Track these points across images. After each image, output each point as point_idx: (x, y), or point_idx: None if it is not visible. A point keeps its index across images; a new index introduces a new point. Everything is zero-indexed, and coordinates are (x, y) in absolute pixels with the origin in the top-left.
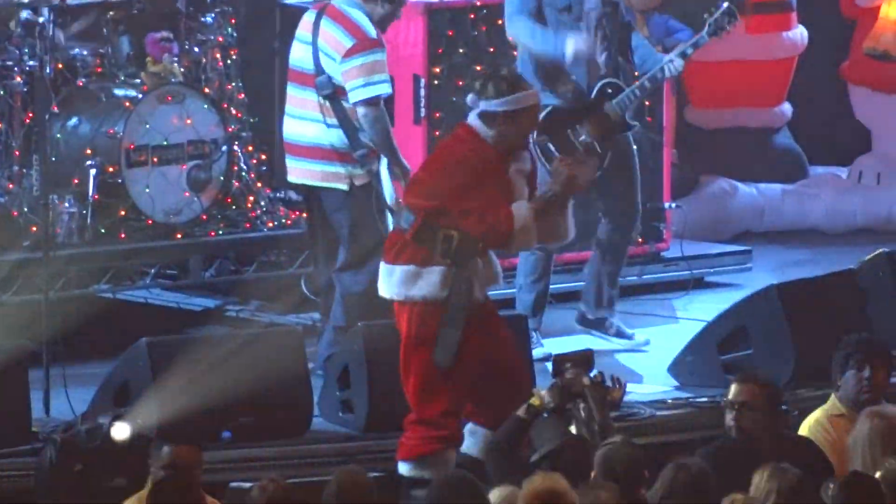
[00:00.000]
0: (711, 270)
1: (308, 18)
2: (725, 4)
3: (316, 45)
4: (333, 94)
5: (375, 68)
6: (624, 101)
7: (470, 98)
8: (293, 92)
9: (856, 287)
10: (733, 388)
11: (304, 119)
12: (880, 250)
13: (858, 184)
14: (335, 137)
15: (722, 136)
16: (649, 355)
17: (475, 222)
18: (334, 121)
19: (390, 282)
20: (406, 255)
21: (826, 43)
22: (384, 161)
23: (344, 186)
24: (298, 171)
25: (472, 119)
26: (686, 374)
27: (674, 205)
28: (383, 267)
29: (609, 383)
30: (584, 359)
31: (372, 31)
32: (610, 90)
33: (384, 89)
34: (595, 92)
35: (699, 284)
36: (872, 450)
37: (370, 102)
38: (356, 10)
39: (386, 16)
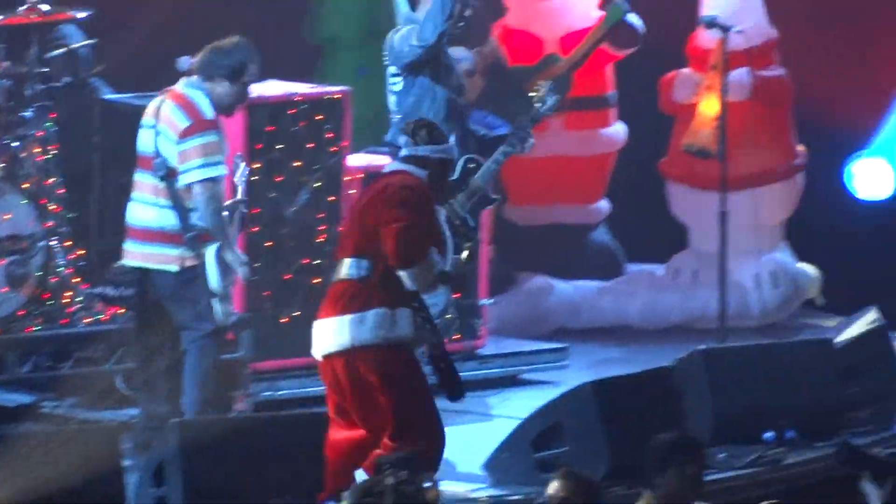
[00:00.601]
0: (527, 368)
1: (153, 103)
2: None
3: (156, 128)
4: (167, 176)
5: (209, 149)
6: (485, 174)
7: (403, 140)
8: (137, 177)
9: (671, 385)
10: (552, 484)
11: (143, 202)
12: (695, 348)
13: (675, 281)
14: (168, 219)
15: (539, 232)
16: (464, 453)
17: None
18: (168, 202)
19: (361, 328)
20: (376, 300)
21: (644, 139)
22: (214, 246)
23: (174, 268)
24: (133, 254)
25: (402, 164)
26: (500, 471)
27: (490, 301)
28: (346, 317)
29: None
30: (405, 461)
31: (209, 112)
32: (472, 164)
33: (219, 171)
34: (459, 168)
35: (515, 382)
36: None
37: (205, 183)
38: (197, 91)
39: (226, 96)
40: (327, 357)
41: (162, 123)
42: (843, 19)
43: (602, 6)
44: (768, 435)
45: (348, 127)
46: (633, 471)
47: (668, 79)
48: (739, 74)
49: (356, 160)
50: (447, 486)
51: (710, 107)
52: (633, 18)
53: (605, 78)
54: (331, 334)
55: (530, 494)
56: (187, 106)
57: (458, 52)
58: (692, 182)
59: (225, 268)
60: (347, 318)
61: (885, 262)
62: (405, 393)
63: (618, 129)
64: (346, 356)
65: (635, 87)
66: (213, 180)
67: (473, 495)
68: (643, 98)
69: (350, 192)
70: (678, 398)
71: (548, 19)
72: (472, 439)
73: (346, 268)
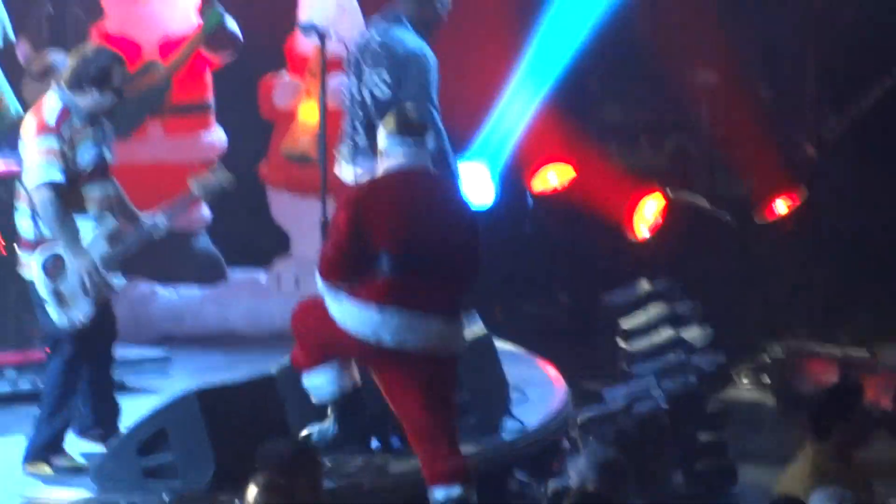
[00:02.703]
0: (131, 375)
1: None
2: None
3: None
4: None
5: (49, 153)
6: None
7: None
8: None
9: (275, 392)
10: None
11: (18, 210)
12: None
13: (278, 288)
14: (23, 225)
15: None
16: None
17: None
18: (24, 206)
19: None
20: None
21: (244, 144)
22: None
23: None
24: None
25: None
26: (107, 478)
27: None
28: None
29: None
30: None
31: (52, 118)
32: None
33: (53, 175)
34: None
35: (120, 388)
36: None
37: (39, 188)
38: (58, 94)
39: (96, 105)
40: None
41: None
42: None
43: (201, 12)
44: (374, 443)
45: None
46: (238, 477)
47: (268, 83)
48: (339, 81)
49: None
50: (56, 493)
51: (309, 113)
52: (231, 24)
53: (205, 83)
54: None
55: (136, 502)
56: (36, 106)
57: (57, 56)
58: (293, 188)
59: (59, 272)
60: None
61: (487, 268)
62: None
63: (218, 135)
64: None
65: (234, 91)
66: (47, 185)
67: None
68: (243, 103)
69: None
70: (282, 405)
71: (146, 24)
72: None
73: None
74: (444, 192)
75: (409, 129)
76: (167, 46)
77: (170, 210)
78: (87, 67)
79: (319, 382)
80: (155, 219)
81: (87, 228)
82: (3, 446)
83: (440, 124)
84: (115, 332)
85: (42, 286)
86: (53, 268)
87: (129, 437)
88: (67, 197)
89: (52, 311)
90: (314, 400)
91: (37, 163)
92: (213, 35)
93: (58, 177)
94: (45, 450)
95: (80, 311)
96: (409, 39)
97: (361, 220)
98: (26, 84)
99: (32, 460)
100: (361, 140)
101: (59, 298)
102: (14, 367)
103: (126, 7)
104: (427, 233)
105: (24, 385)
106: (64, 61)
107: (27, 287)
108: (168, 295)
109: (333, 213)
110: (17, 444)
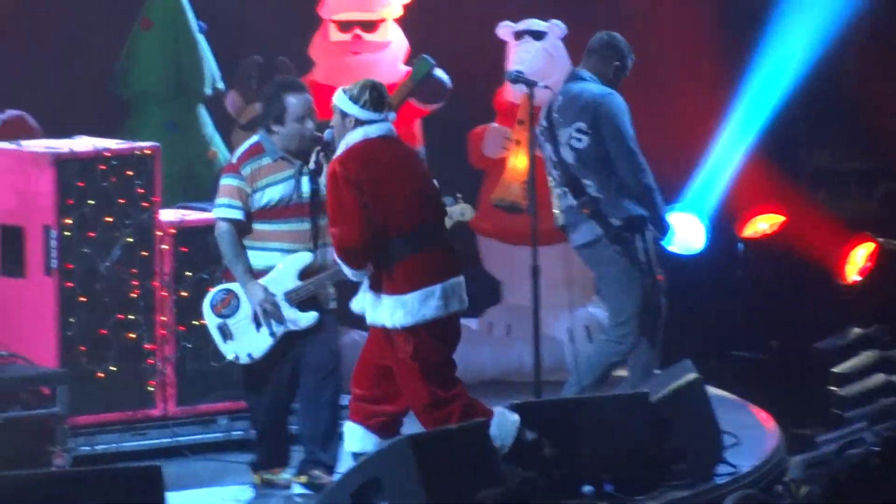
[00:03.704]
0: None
1: None
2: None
3: None
4: None
5: (228, 190)
6: None
7: None
8: None
9: (487, 438)
10: None
11: None
12: (510, 402)
13: (489, 335)
14: None
15: None
16: None
17: None
18: None
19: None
20: None
21: (455, 193)
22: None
23: None
24: None
25: None
26: None
27: None
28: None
29: None
30: None
31: (237, 156)
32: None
33: (228, 212)
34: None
35: None
36: None
37: (216, 222)
38: (258, 134)
39: (289, 143)
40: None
41: None
42: (648, 84)
43: (408, 61)
44: (587, 488)
45: (158, 182)
46: None
47: (478, 133)
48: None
49: (168, 215)
50: None
51: (519, 161)
52: (440, 73)
53: (414, 132)
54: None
55: None
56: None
57: None
58: (503, 237)
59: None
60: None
61: (699, 315)
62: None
63: None
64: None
65: (443, 140)
66: (224, 220)
67: None
68: (451, 152)
69: (163, 247)
70: (495, 451)
71: (355, 74)
72: None
73: None
74: (415, 157)
75: (382, 104)
76: None
77: None
78: (274, 107)
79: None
80: None
81: (275, 261)
82: (214, 496)
83: (643, 161)
84: (326, 371)
85: (208, 319)
86: (221, 303)
87: (341, 484)
88: (246, 232)
89: (219, 345)
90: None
91: (219, 198)
92: (421, 83)
93: (233, 213)
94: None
95: (249, 347)
96: (594, 87)
97: (363, 190)
98: (236, 134)
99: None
100: (570, 200)
101: (224, 333)
102: (226, 414)
103: (335, 58)
104: (417, 197)
105: (236, 433)
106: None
107: None
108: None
109: (333, 194)
110: (230, 493)
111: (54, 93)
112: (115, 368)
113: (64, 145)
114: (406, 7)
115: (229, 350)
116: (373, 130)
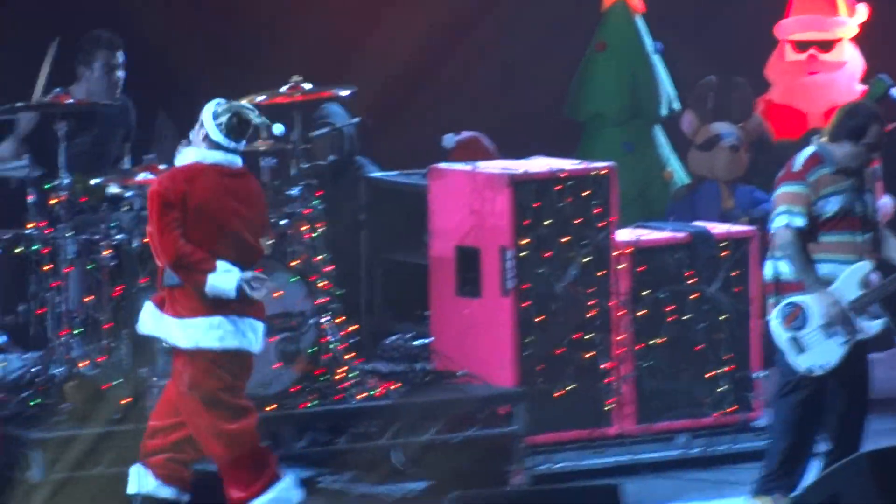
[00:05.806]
0: None
1: None
2: None
3: None
4: None
5: (792, 197)
6: None
7: None
8: None
9: None
10: None
11: None
12: None
13: None
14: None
15: None
16: None
17: None
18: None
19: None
20: None
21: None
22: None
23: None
24: None
25: None
26: None
27: (763, 374)
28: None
29: None
30: None
31: (799, 165)
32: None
33: (794, 220)
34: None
35: None
36: None
37: (779, 230)
38: (815, 145)
39: (848, 157)
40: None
41: None
42: None
43: (865, 80)
44: None
45: (615, 202)
46: None
47: None
48: None
49: (624, 235)
50: None
51: None
52: None
53: None
54: None
55: None
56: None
57: (722, 128)
58: None
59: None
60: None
61: None
62: None
63: (884, 201)
64: None
65: None
66: (789, 228)
67: None
68: None
69: (619, 266)
70: None
71: (812, 94)
72: None
73: None
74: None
75: (237, 133)
76: (833, 115)
77: None
78: (847, 122)
79: None
80: None
81: (838, 271)
82: None
83: None
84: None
85: (778, 333)
86: (790, 316)
87: (799, 501)
88: (809, 240)
89: (791, 358)
90: None
91: (779, 207)
92: (878, 103)
93: (798, 221)
94: (769, 483)
95: (823, 358)
96: None
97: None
98: (692, 155)
99: (758, 492)
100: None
101: (796, 346)
102: (686, 432)
103: (791, 77)
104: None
105: (694, 450)
106: (730, 133)
107: None
108: None
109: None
110: None
111: (508, 114)
112: (571, 387)
113: (519, 166)
114: (862, 26)
115: (802, 362)
116: (209, 157)
